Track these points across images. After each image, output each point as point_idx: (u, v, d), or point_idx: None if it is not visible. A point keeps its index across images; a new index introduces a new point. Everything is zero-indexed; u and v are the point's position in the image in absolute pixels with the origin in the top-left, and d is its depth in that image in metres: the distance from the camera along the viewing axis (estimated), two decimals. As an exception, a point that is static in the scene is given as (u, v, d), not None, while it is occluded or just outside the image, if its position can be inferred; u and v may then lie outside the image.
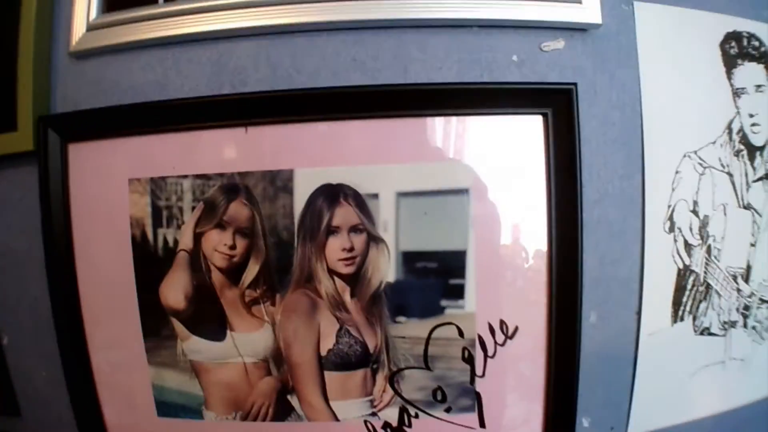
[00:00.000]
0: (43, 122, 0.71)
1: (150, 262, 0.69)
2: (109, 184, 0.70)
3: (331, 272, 0.66)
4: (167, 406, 0.73)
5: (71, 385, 0.75)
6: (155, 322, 0.70)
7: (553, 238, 0.67)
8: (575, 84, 0.67)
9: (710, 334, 0.76)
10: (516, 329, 0.67)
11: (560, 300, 0.67)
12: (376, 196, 0.65)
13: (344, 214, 0.64)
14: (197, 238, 0.67)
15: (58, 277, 0.72)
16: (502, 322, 0.67)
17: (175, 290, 0.68)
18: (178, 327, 0.69)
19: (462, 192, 0.65)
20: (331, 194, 0.64)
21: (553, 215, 0.67)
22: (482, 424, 0.70)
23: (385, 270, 0.65)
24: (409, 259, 0.65)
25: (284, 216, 0.65)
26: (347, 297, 0.66)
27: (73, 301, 0.72)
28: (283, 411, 0.70)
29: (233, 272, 0.67)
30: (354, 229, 0.65)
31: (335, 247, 0.65)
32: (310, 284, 0.66)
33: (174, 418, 0.73)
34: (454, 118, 0.66)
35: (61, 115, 0.73)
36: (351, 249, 0.65)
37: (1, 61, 0.75)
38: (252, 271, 0.66)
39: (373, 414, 0.69)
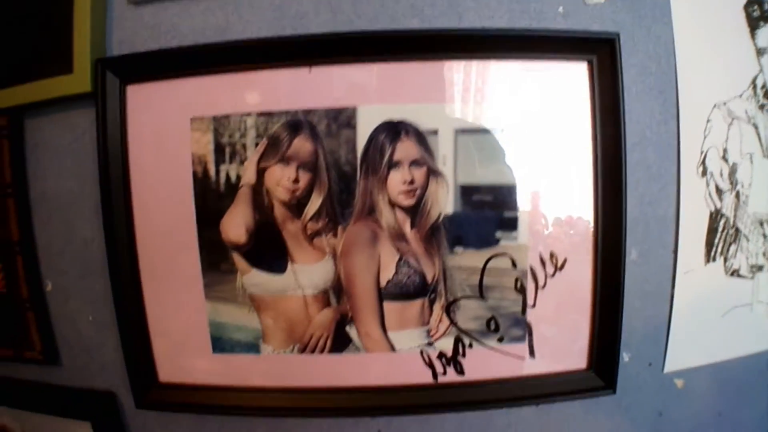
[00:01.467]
0: (101, 64, 0.74)
1: (211, 198, 0.71)
2: (169, 123, 0.73)
3: (392, 204, 0.69)
4: (223, 342, 0.75)
5: (122, 326, 0.76)
6: (215, 258, 0.72)
7: (599, 176, 0.72)
8: (618, 34, 0.73)
9: (739, 276, 0.82)
10: (565, 261, 0.72)
11: (605, 236, 0.72)
12: (435, 132, 0.69)
13: (405, 149, 0.69)
14: (260, 173, 0.70)
15: (115, 217, 0.74)
16: (552, 254, 0.72)
17: (236, 224, 0.71)
18: (239, 261, 0.72)
19: (514, 129, 0.70)
20: (393, 130, 0.69)
21: (598, 155, 0.72)
22: (532, 354, 0.74)
23: (444, 202, 0.69)
24: (466, 192, 0.70)
25: (347, 151, 0.69)
26: (407, 228, 0.70)
27: (128, 241, 0.75)
28: (340, 342, 0.73)
29: (296, 206, 0.70)
30: (414, 162, 0.69)
31: (396, 180, 0.69)
32: (372, 216, 0.70)
33: (230, 354, 0.75)
34: (506, 62, 0.71)
35: (119, 57, 0.75)
36: (411, 182, 0.69)
37: (58, 5, 0.78)
38: (314, 204, 0.70)
39: (429, 344, 0.73)
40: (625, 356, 0.78)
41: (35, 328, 0.83)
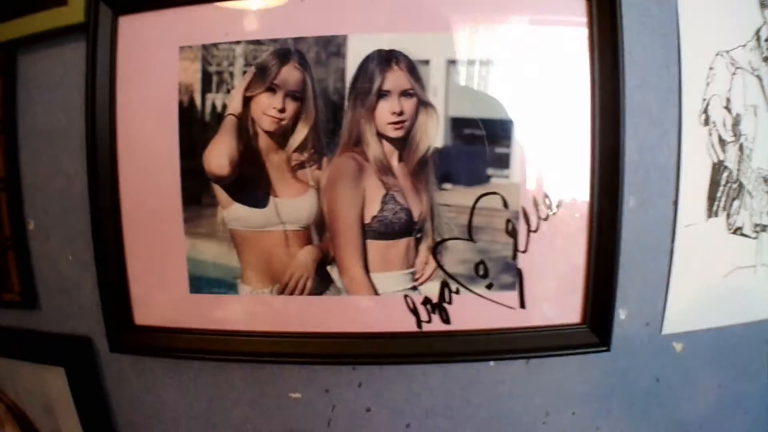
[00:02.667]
0: (95, -6, 0.72)
1: (196, 129, 0.68)
2: (158, 53, 0.70)
3: (380, 136, 0.66)
4: (201, 282, 0.71)
5: (100, 264, 0.73)
6: (196, 191, 0.69)
7: (596, 116, 0.68)
8: (616, -31, 0.69)
9: (742, 234, 0.77)
10: (560, 203, 0.68)
11: (602, 179, 0.68)
12: (426, 62, 0.66)
13: (395, 79, 0.65)
14: (246, 102, 0.67)
15: (98, 150, 0.71)
16: (545, 195, 0.68)
17: (219, 155, 0.67)
18: (220, 194, 0.68)
19: (509, 62, 0.67)
20: (383, 59, 0.65)
21: (596, 94, 0.68)
22: (522, 304, 0.69)
23: (434, 135, 0.66)
24: (457, 125, 0.66)
25: (336, 80, 0.66)
26: (395, 161, 0.66)
27: (111, 175, 0.71)
28: (321, 284, 0.68)
29: (281, 136, 0.67)
30: (404, 93, 0.65)
31: (385, 111, 0.65)
32: (358, 148, 0.66)
33: (207, 294, 0.71)
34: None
35: (112, -11, 0.74)
36: (401, 113, 0.65)
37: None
38: (300, 134, 0.66)
39: (414, 289, 0.68)
40: (621, 313, 0.73)
41: (15, 268, 0.79)
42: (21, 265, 0.79)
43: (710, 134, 0.74)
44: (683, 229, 0.73)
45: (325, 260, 0.68)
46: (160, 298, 0.73)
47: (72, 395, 0.80)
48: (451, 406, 0.74)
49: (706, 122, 0.73)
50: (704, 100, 0.73)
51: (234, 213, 0.68)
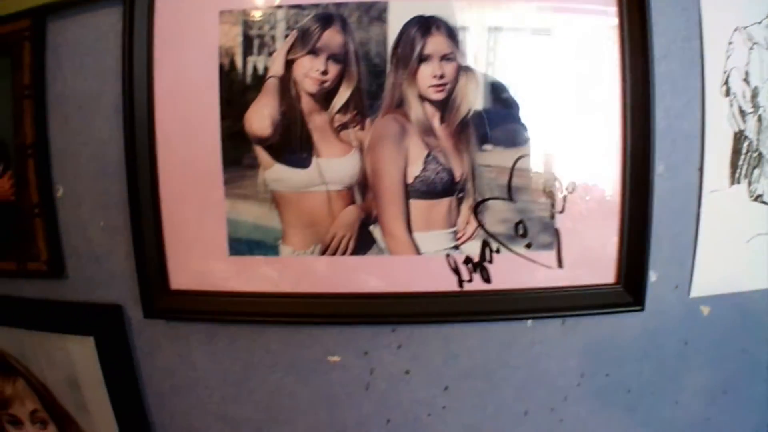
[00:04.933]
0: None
1: (236, 91, 0.67)
2: (198, 17, 0.68)
3: (422, 98, 0.65)
4: (240, 244, 0.69)
5: (136, 229, 0.71)
6: (237, 152, 0.67)
7: (627, 82, 0.69)
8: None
9: (763, 202, 0.78)
10: (594, 167, 0.68)
11: (634, 144, 0.68)
12: (466, 28, 0.66)
13: (436, 43, 0.65)
14: (289, 64, 0.66)
15: (136, 114, 0.69)
16: (580, 159, 0.68)
17: (261, 117, 0.66)
18: (262, 155, 0.67)
19: (543, 32, 0.67)
20: (424, 24, 0.65)
21: (626, 62, 0.69)
22: (560, 264, 0.69)
23: (474, 98, 0.65)
24: (497, 89, 0.66)
25: (377, 44, 0.65)
26: (436, 123, 0.66)
27: (148, 139, 0.70)
28: (364, 243, 0.67)
29: (323, 98, 0.66)
30: (445, 57, 0.65)
31: (426, 74, 0.65)
32: (401, 109, 0.65)
33: (247, 256, 0.69)
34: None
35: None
36: (442, 76, 0.65)
37: None
38: (343, 95, 0.66)
39: (455, 248, 0.68)
40: (652, 275, 0.73)
41: (42, 236, 0.76)
42: (49, 232, 0.76)
43: (731, 105, 0.75)
44: (708, 195, 0.74)
45: (367, 220, 0.67)
46: (197, 261, 0.71)
47: (101, 366, 0.77)
48: (488, 368, 0.73)
49: (727, 93, 0.75)
50: (725, 72, 0.75)
51: (276, 174, 0.67)
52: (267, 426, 0.76)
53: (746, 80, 0.76)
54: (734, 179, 0.76)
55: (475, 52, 0.66)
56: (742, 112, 0.76)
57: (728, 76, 0.75)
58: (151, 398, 0.78)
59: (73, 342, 0.78)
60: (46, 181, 0.75)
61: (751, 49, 0.77)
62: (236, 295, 0.70)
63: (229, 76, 0.68)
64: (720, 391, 0.81)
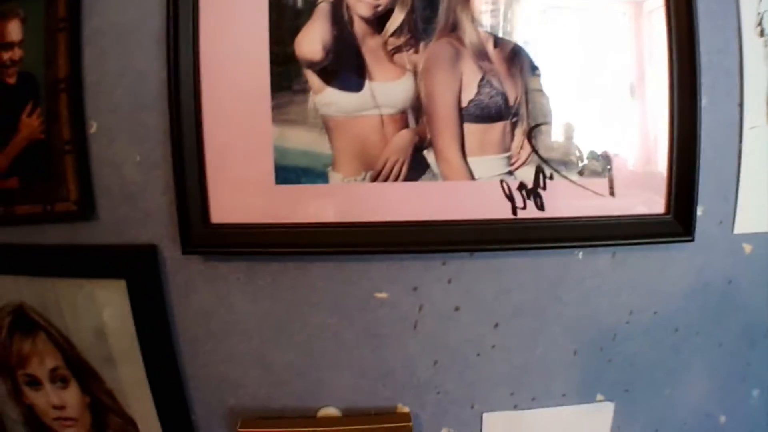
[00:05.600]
0: None
1: (287, 16, 0.64)
2: (247, -56, 0.67)
3: (476, 22, 0.64)
4: (288, 171, 0.65)
5: (177, 160, 0.66)
6: (286, 76, 0.65)
7: (672, 21, 0.68)
8: None
9: (796, 141, 0.79)
10: (645, 95, 0.68)
11: (681, 76, 0.68)
12: (519, -44, 0.66)
13: (490, -31, 0.65)
14: (341, -12, 0.65)
15: (180, 41, 0.66)
16: (632, 85, 0.67)
17: (312, 40, 0.64)
18: (313, 78, 0.64)
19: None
20: (478, -50, 0.65)
21: (671, 3, 0.69)
22: (612, 192, 0.67)
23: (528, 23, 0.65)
24: (552, 13, 0.65)
25: (431, -32, 0.65)
26: (490, 47, 0.65)
27: (193, 66, 0.66)
28: (417, 169, 0.65)
29: (377, 21, 0.64)
30: (499, -17, 0.65)
31: (480, -1, 0.64)
32: (455, 33, 0.64)
33: (295, 185, 0.65)
34: None
35: None
36: (495, 1, 0.64)
37: None
38: (396, 19, 0.64)
39: (510, 173, 0.65)
40: (698, 210, 0.72)
41: (73, 175, 0.71)
42: (80, 170, 0.71)
43: (766, 45, 0.76)
44: (748, 131, 0.74)
45: (421, 145, 0.64)
46: (241, 192, 0.67)
47: (132, 312, 0.71)
48: (539, 305, 0.70)
49: (761, 34, 0.76)
50: (758, 14, 0.76)
51: (327, 97, 0.64)
52: (308, 370, 0.71)
53: (777, 24, 0.77)
54: (771, 118, 0.76)
55: (528, -21, 0.65)
56: (776, 54, 0.77)
57: (762, 18, 0.76)
58: (184, 345, 0.72)
59: (102, 287, 0.72)
60: (79, 117, 0.71)
61: (780, -7, 0.78)
62: (280, 227, 0.66)
63: (279, 2, 0.65)
64: (760, 335, 0.80)
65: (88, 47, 0.71)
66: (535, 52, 0.65)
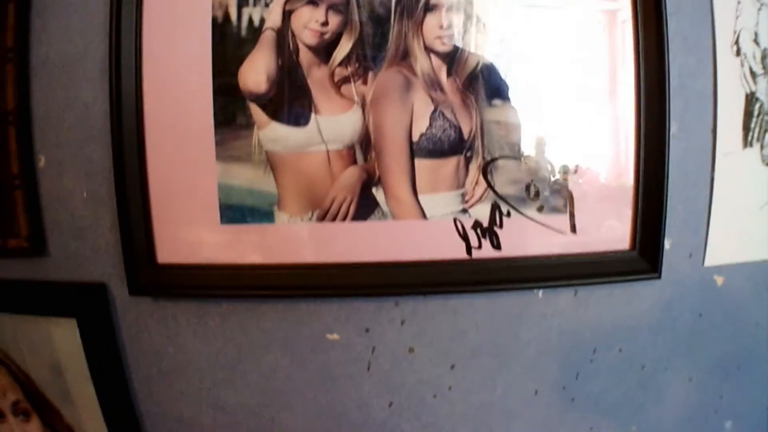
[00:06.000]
0: None
1: (230, 45, 0.61)
2: (189, -30, 0.63)
3: (428, 50, 0.60)
4: (233, 211, 0.62)
5: (120, 197, 0.63)
6: (230, 110, 0.61)
7: (640, 40, 0.64)
8: None
9: (775, 166, 0.74)
10: (609, 127, 0.63)
11: (648, 103, 0.64)
12: (474, -22, 0.61)
13: (443, -6, 0.60)
14: (286, 16, 0.60)
15: (122, 72, 0.62)
16: (595, 118, 0.63)
17: (256, 71, 0.60)
18: (257, 113, 0.60)
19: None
20: (430, -26, 0.60)
21: (639, 19, 0.64)
22: (573, 229, 0.63)
23: (483, 50, 0.60)
24: (507, 41, 0.61)
25: (380, -6, 0.60)
26: (443, 76, 0.60)
27: (135, 99, 0.63)
28: (366, 207, 0.61)
29: (323, 50, 0.60)
30: (452, 7, 0.60)
31: (433, 25, 0.60)
32: (405, 62, 0.60)
33: (240, 224, 0.62)
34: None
35: None
36: (449, 27, 0.60)
37: None
38: (344, 47, 0.60)
39: (464, 211, 0.62)
40: (666, 243, 0.68)
41: (23, 210, 0.68)
42: (30, 206, 0.68)
43: (742, 65, 0.71)
44: (722, 158, 0.70)
45: (370, 182, 0.61)
46: (186, 231, 0.64)
47: (84, 350, 0.69)
48: (498, 344, 0.67)
49: (738, 53, 0.71)
50: (734, 32, 0.71)
51: (272, 133, 0.60)
52: (262, 411, 0.68)
53: (756, 41, 0.72)
54: (747, 142, 0.72)
55: (484, 3, 0.61)
56: (753, 74, 0.72)
57: (738, 36, 0.71)
58: (137, 384, 0.70)
59: (55, 325, 0.70)
60: (28, 150, 0.68)
61: (759, 9, 0.73)
62: (228, 268, 0.63)
63: (222, 29, 0.61)
64: (734, 368, 0.76)
65: (35, 78, 0.68)
66: (491, 81, 0.61)
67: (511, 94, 0.61)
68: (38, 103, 0.67)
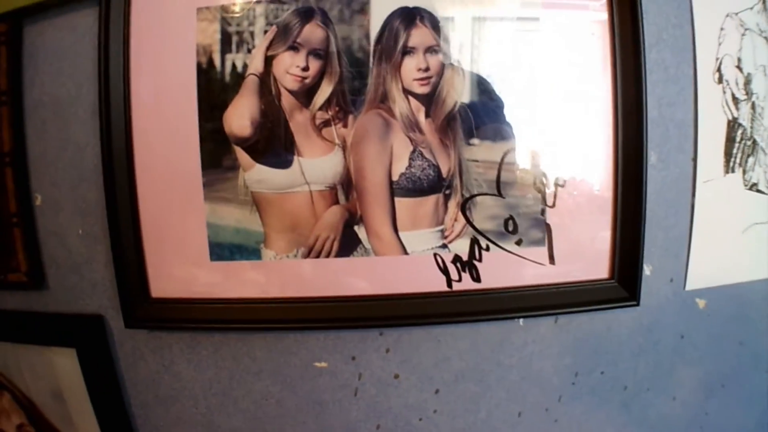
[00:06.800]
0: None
1: (215, 90, 0.64)
2: (175, 15, 0.65)
3: (406, 92, 0.62)
4: (221, 248, 0.66)
5: (114, 235, 0.67)
6: (216, 154, 0.64)
7: (618, 71, 0.66)
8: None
9: (758, 191, 0.75)
10: (585, 160, 0.66)
11: (626, 134, 0.66)
12: (451, 19, 0.63)
13: (420, 35, 0.62)
14: (268, 61, 0.63)
15: (112, 116, 0.66)
16: (570, 152, 0.65)
17: (240, 116, 0.63)
18: (242, 156, 0.64)
19: (531, 20, 0.64)
20: (408, 16, 0.62)
21: (617, 50, 0.66)
22: (552, 260, 0.66)
23: (460, 91, 0.62)
24: (484, 81, 0.63)
25: (360, 37, 0.62)
26: (421, 117, 0.63)
27: (125, 142, 0.66)
28: (348, 245, 0.64)
29: (305, 94, 0.63)
30: (430, 49, 0.62)
31: (411, 67, 0.62)
32: (384, 104, 0.62)
33: (228, 261, 0.66)
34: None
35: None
36: (426, 69, 0.62)
37: None
38: (324, 92, 0.62)
39: (444, 246, 0.65)
40: (646, 269, 0.70)
41: (21, 247, 0.73)
42: (28, 242, 0.73)
43: (724, 92, 0.72)
44: (702, 185, 0.72)
45: (351, 220, 0.64)
46: (178, 268, 0.67)
47: (84, 378, 0.74)
48: (481, 369, 0.70)
49: (720, 80, 0.72)
50: (717, 59, 0.72)
51: (256, 175, 0.64)
52: (255, 434, 0.73)
53: (739, 67, 0.73)
54: (728, 168, 0.73)
55: (460, 44, 0.63)
56: (736, 100, 0.73)
57: (720, 63, 0.72)
58: (135, 409, 0.74)
59: (56, 354, 0.75)
60: (24, 190, 0.72)
61: (743, 35, 0.74)
62: (218, 302, 0.67)
63: (207, 75, 0.64)
64: (718, 385, 0.79)
65: (29, 120, 0.71)
66: (469, 121, 0.63)
67: (488, 133, 0.64)
68: (33, 144, 0.71)
